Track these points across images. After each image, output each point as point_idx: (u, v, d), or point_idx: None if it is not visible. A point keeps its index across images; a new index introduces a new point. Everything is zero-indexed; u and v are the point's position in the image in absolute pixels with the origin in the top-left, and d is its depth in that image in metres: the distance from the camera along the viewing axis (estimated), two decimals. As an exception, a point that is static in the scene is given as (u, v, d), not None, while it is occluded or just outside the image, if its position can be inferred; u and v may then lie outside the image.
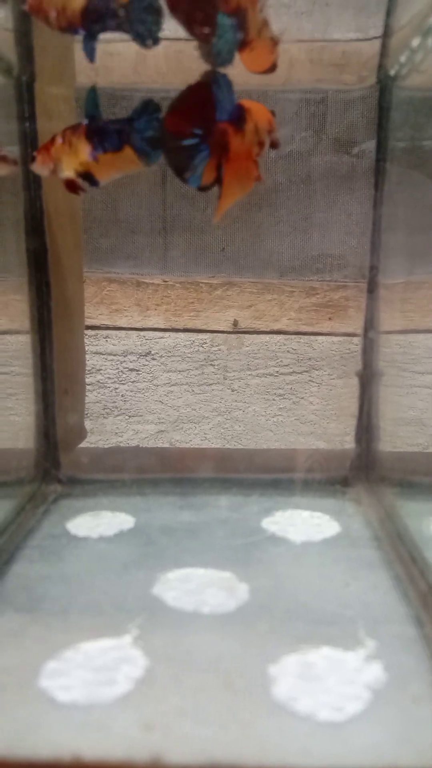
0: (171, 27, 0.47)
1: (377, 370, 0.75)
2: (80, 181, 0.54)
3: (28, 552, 0.62)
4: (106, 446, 1.08)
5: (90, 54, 0.51)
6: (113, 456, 0.99)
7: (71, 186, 0.54)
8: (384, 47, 0.68)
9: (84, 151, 0.53)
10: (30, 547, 0.63)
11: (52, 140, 0.53)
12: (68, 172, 0.53)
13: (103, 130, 0.52)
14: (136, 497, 0.74)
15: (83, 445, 0.92)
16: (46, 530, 0.66)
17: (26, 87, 0.66)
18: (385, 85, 0.67)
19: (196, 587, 0.55)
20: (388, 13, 0.65)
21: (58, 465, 0.76)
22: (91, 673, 0.45)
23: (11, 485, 0.71)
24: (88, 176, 0.53)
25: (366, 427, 0.75)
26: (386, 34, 0.65)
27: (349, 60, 0.88)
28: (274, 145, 0.51)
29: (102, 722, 0.41)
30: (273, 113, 0.51)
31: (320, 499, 0.72)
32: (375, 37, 0.66)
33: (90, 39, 0.50)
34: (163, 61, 0.94)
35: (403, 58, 0.62)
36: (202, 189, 0.50)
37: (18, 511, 0.67)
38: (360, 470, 0.75)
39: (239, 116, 0.49)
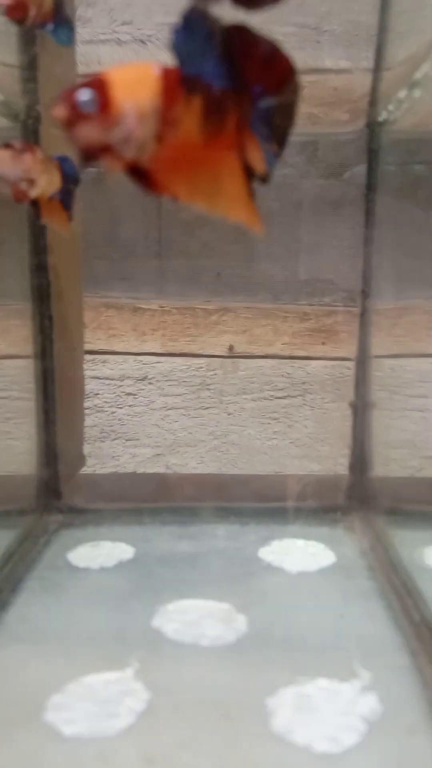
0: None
1: (370, 400, 0.77)
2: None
3: (30, 583, 0.63)
4: (104, 472, 1.09)
5: (68, 40, 0.54)
6: (112, 483, 1.00)
7: (20, 196, 0.52)
8: (373, 92, 0.71)
9: (56, 183, 0.54)
10: (32, 578, 0.64)
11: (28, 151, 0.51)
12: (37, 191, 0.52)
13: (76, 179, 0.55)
14: (135, 526, 0.76)
15: (82, 471, 0.94)
16: (48, 561, 0.67)
17: (32, 130, 0.69)
18: (374, 129, 0.71)
19: (196, 619, 0.57)
20: (377, 63, 0.68)
21: (59, 495, 0.77)
22: (95, 706, 0.46)
23: (13, 515, 0.72)
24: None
25: (360, 455, 0.77)
26: (375, 84, 0.68)
27: (340, 98, 0.91)
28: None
29: (106, 755, 0.42)
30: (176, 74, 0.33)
31: (315, 527, 0.74)
32: (366, 70, 0.69)
33: (63, 27, 0.54)
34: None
35: (391, 107, 0.65)
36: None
37: (20, 541, 0.68)
38: (354, 499, 0.77)
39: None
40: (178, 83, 0.33)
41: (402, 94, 0.59)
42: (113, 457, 1.13)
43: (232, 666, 0.51)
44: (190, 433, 1.13)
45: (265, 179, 0.37)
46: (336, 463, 0.91)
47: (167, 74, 0.33)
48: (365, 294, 0.75)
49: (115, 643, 0.54)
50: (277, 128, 0.35)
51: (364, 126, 0.72)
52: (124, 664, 0.50)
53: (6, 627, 0.56)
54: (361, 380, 0.77)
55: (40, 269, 0.73)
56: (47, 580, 0.63)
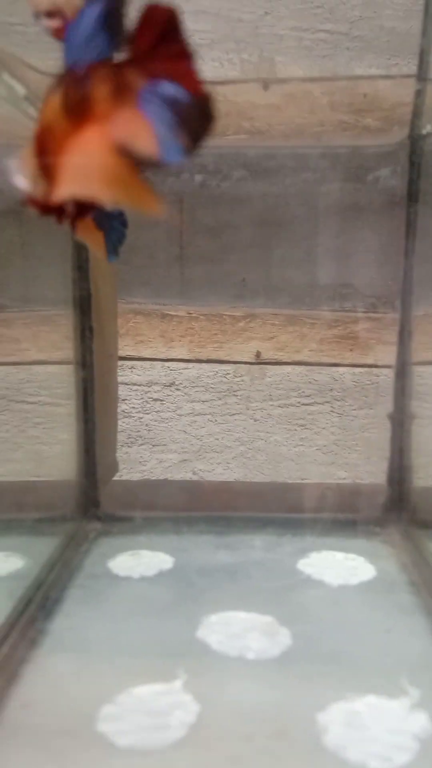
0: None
1: (410, 412, 0.77)
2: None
3: (74, 591, 0.64)
4: (135, 479, 1.10)
5: None
6: (146, 491, 1.01)
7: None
8: (416, 105, 0.71)
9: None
10: (75, 586, 0.65)
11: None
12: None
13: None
14: (172, 536, 0.76)
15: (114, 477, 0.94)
16: (89, 569, 0.68)
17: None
18: (416, 141, 0.71)
19: (239, 631, 0.57)
20: (420, 74, 0.68)
21: (97, 502, 0.78)
22: (146, 718, 0.47)
23: (55, 521, 0.73)
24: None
25: (398, 468, 0.76)
26: (418, 97, 0.68)
27: (371, 105, 0.91)
28: None
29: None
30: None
31: (353, 539, 0.74)
32: (403, 76, 0.68)
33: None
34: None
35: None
36: None
37: (62, 548, 0.69)
38: (392, 511, 0.77)
39: None
40: None
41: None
42: (140, 462, 1.14)
43: (279, 680, 0.51)
44: (217, 439, 1.13)
45: (155, 164, 0.32)
46: (365, 471, 0.90)
47: None
48: (405, 304, 0.75)
49: (161, 654, 0.54)
50: (191, 125, 0.32)
51: (406, 138, 0.71)
52: (172, 676, 0.51)
53: (53, 636, 0.56)
54: (399, 391, 0.77)
55: (81, 281, 0.74)
56: (90, 589, 0.64)
